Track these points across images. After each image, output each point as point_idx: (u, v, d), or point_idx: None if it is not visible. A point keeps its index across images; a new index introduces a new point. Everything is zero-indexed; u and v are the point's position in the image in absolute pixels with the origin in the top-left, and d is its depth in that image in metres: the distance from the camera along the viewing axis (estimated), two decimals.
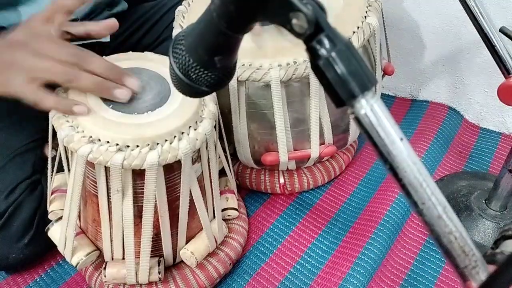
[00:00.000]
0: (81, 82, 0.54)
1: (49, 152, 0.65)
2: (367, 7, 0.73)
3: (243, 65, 0.68)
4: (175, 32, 0.74)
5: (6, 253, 0.69)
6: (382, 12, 0.77)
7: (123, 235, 0.60)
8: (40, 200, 0.70)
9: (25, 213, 0.68)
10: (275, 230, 0.82)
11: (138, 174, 0.55)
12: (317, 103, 0.71)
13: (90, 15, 0.80)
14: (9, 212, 0.67)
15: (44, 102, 0.54)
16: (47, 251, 0.75)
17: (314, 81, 0.68)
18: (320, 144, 0.77)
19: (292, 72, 0.66)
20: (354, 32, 0.69)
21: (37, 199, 0.70)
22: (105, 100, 0.57)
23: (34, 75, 0.53)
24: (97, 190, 0.58)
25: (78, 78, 0.54)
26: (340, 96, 0.28)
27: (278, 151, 0.75)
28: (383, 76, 0.86)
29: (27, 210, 0.69)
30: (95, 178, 0.57)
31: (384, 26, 0.84)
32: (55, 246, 0.66)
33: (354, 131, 0.82)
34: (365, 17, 0.72)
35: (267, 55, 0.68)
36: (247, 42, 0.69)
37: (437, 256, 0.77)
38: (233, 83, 0.68)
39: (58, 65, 0.53)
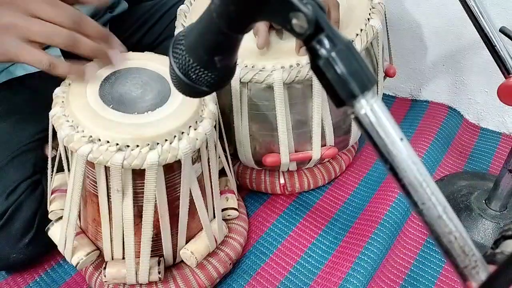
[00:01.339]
0: (81, 47, 0.54)
1: (49, 152, 0.65)
2: (370, 9, 0.73)
3: (246, 66, 0.68)
4: (177, 31, 0.74)
5: (7, 253, 0.69)
6: (385, 15, 0.77)
7: (123, 235, 0.60)
8: (41, 200, 0.70)
9: (25, 213, 0.68)
10: (275, 230, 0.82)
11: (138, 174, 0.55)
12: (320, 105, 0.71)
13: (93, 18, 0.80)
14: (10, 212, 0.67)
15: (57, 69, 0.54)
16: (48, 251, 0.75)
17: (317, 83, 0.68)
18: (322, 146, 0.77)
19: (295, 74, 0.66)
20: (357, 35, 0.69)
21: (38, 199, 0.70)
22: (105, 100, 0.57)
23: (31, 37, 0.52)
24: (97, 190, 0.58)
25: (78, 43, 0.54)
26: (340, 96, 0.28)
27: (279, 153, 0.75)
28: (384, 78, 0.85)
29: (28, 210, 0.69)
30: (95, 178, 0.57)
31: (387, 28, 0.84)
32: (55, 246, 0.66)
33: (355, 132, 0.82)
34: (368, 19, 0.72)
35: (270, 56, 0.68)
36: (251, 43, 0.70)
37: (437, 256, 0.77)
38: (235, 84, 0.68)
39: (58, 28, 0.52)
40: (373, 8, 0.73)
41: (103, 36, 0.56)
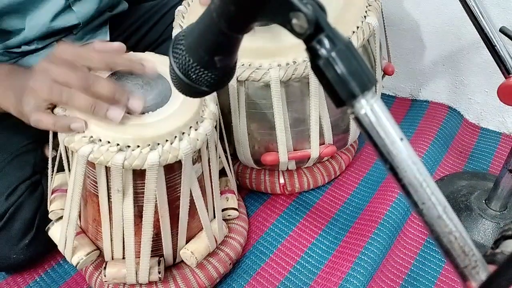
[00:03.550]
0: (75, 101, 0.53)
1: (49, 152, 0.65)
2: (366, 7, 0.73)
3: (243, 65, 0.68)
4: (175, 32, 0.74)
5: (7, 254, 0.69)
6: (382, 12, 0.77)
7: (123, 234, 0.60)
8: (41, 200, 0.70)
9: (25, 214, 0.68)
10: (275, 230, 0.82)
11: (139, 174, 0.55)
12: (317, 103, 0.71)
13: (93, 18, 0.80)
14: (10, 213, 0.67)
15: (42, 122, 0.54)
16: (48, 251, 0.75)
17: (314, 81, 0.68)
18: (320, 144, 0.77)
19: (291, 72, 0.66)
20: (353, 32, 0.69)
21: (38, 200, 0.70)
22: None
23: (36, 97, 0.54)
24: (97, 190, 0.58)
25: (72, 98, 0.53)
26: (340, 96, 0.28)
27: (278, 151, 0.75)
28: (383, 76, 0.86)
29: (28, 211, 0.69)
30: (95, 178, 0.57)
31: (384, 26, 0.84)
32: (55, 246, 0.66)
33: (354, 131, 0.82)
34: (365, 17, 0.72)
35: (267, 55, 0.68)
36: (247, 42, 0.70)
37: (437, 256, 0.77)
38: (232, 83, 0.69)
39: (56, 85, 0.52)
40: (369, 5, 0.73)
41: (114, 93, 0.54)
